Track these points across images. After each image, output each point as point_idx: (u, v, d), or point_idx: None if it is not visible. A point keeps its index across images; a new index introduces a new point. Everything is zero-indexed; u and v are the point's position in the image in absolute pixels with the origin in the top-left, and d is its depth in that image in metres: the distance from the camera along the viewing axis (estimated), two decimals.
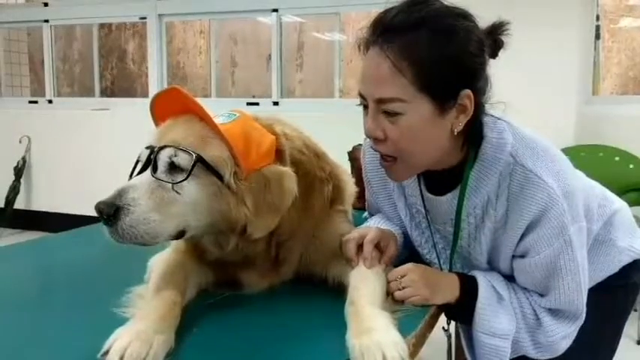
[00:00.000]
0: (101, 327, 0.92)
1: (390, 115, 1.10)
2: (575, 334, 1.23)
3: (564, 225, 1.13)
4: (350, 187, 1.47)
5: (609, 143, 3.64)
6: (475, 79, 1.11)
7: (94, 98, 5.71)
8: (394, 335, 0.93)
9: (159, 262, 1.19)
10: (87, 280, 1.36)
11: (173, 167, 1.07)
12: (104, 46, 6.80)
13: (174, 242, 1.27)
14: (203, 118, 1.12)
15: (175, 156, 1.07)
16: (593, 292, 1.34)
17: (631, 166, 3.50)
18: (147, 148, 1.11)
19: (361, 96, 1.15)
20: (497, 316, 1.18)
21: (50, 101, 5.73)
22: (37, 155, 5.53)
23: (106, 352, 0.86)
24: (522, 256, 1.19)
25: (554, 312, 1.21)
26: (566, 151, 3.42)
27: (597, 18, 4.06)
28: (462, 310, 1.20)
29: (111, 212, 1.02)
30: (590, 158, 3.58)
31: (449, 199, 1.23)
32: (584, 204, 1.22)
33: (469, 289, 1.19)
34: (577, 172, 1.33)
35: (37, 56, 6.08)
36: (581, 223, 1.17)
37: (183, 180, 1.06)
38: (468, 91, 1.09)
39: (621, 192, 3.28)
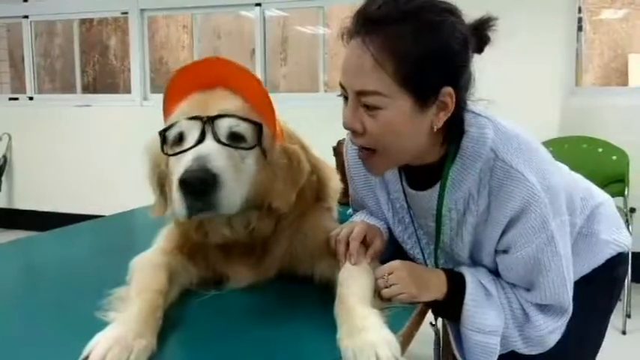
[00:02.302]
0: (81, 331, 0.90)
1: (370, 108, 1.08)
2: (563, 327, 1.23)
3: (546, 220, 1.12)
4: (335, 183, 1.46)
5: (593, 135, 3.66)
6: (457, 77, 1.10)
7: (76, 94, 5.63)
8: (386, 334, 0.92)
9: (141, 263, 1.17)
10: (67, 281, 1.33)
11: (234, 137, 1.08)
12: (86, 41, 6.71)
13: (156, 242, 1.25)
14: (249, 88, 1.15)
15: (237, 125, 1.09)
16: (577, 285, 1.34)
17: (614, 157, 3.53)
18: (190, 118, 1.10)
19: (342, 87, 1.13)
20: (485, 312, 1.17)
21: (31, 98, 5.65)
22: (19, 153, 5.46)
23: (85, 359, 0.84)
24: (505, 252, 1.19)
25: (541, 307, 1.20)
26: (550, 143, 3.45)
27: (579, 10, 4.08)
28: (450, 307, 1.19)
29: (210, 183, 0.99)
30: (573, 150, 3.60)
31: (430, 195, 1.22)
32: (566, 196, 1.21)
33: (456, 285, 1.18)
34: (559, 166, 1.33)
35: (17, 52, 5.98)
36: (562, 217, 1.16)
37: (252, 148, 1.09)
38: (449, 89, 1.08)
39: (605, 183, 3.33)
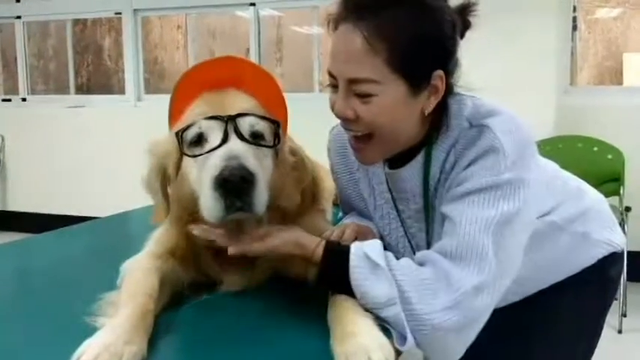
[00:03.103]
0: (70, 337, 0.88)
1: (362, 96, 1.07)
2: (496, 292, 1.02)
3: (501, 168, 1.05)
4: (328, 184, 1.45)
5: (588, 134, 3.66)
6: (447, 60, 1.10)
7: (69, 95, 5.60)
8: (379, 338, 0.91)
9: (131, 267, 1.16)
10: (60, 285, 1.31)
11: (254, 136, 1.08)
12: (79, 42, 6.68)
13: (147, 246, 1.24)
14: (263, 86, 1.15)
15: (257, 124, 1.09)
16: (571, 287, 1.34)
17: (609, 156, 3.53)
18: (209, 118, 1.08)
19: (331, 75, 1.11)
20: (374, 284, 1.02)
21: (24, 99, 5.61)
22: (12, 154, 5.42)
23: None
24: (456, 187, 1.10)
25: (455, 257, 1.02)
26: (545, 142, 3.45)
27: (574, 9, 4.08)
28: (335, 278, 1.06)
29: (249, 181, 0.98)
30: (569, 149, 3.60)
31: (411, 171, 1.19)
32: (553, 191, 1.20)
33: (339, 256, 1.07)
34: (548, 163, 1.31)
35: (9, 53, 5.94)
36: (523, 174, 1.07)
37: (273, 146, 1.10)
38: (440, 72, 1.08)
39: (600, 182, 3.33)
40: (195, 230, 1.09)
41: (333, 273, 1.06)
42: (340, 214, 1.51)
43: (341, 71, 1.08)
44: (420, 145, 1.17)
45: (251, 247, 1.08)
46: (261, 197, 1.02)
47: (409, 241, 1.30)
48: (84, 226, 2.00)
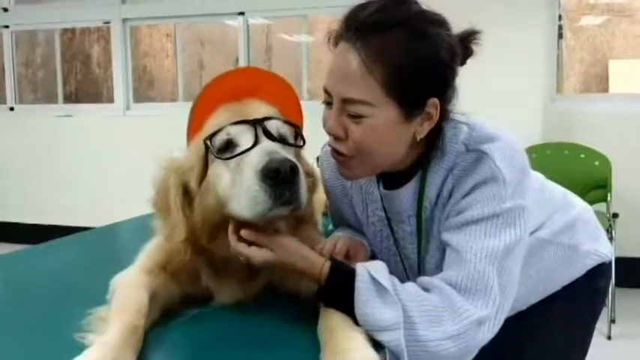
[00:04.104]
0: (58, 355, 0.88)
1: (354, 116, 1.08)
2: (497, 323, 1.05)
3: (502, 197, 1.07)
4: (320, 195, 1.44)
5: (575, 141, 3.69)
6: (444, 88, 1.10)
7: (57, 104, 5.56)
8: (370, 354, 0.91)
9: (121, 282, 1.15)
10: (45, 300, 1.29)
11: (281, 138, 1.11)
12: (68, 50, 6.64)
13: (138, 260, 1.23)
14: (280, 94, 1.19)
15: (282, 127, 1.12)
16: (559, 297, 1.35)
17: (596, 163, 3.56)
18: (235, 123, 1.09)
19: (326, 92, 1.12)
20: (380, 309, 1.01)
21: (12, 108, 5.57)
22: None
23: None
24: (456, 215, 1.11)
25: (461, 289, 1.04)
26: (533, 149, 3.47)
27: (559, 17, 4.12)
28: (337, 298, 1.07)
29: (296, 173, 1.00)
30: (556, 156, 3.63)
31: (406, 193, 1.19)
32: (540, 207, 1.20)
33: (344, 277, 1.07)
34: (534, 175, 1.31)
35: None
36: (522, 201, 1.09)
37: (300, 147, 1.15)
38: (435, 100, 1.08)
39: (587, 189, 3.36)
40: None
41: (337, 292, 1.05)
42: (330, 226, 1.51)
43: (336, 89, 1.09)
44: (415, 168, 1.18)
45: (262, 254, 1.07)
46: (304, 192, 1.03)
47: (401, 260, 1.30)
48: (72, 238, 1.98)
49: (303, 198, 1.03)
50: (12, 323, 1.17)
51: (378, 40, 1.04)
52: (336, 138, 1.12)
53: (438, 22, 1.08)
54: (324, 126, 1.14)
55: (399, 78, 1.04)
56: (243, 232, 1.07)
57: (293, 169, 1.00)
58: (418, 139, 1.11)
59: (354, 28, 1.06)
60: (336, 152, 1.15)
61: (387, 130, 1.08)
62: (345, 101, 1.07)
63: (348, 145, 1.11)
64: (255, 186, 1.00)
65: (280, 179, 0.98)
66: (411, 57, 1.04)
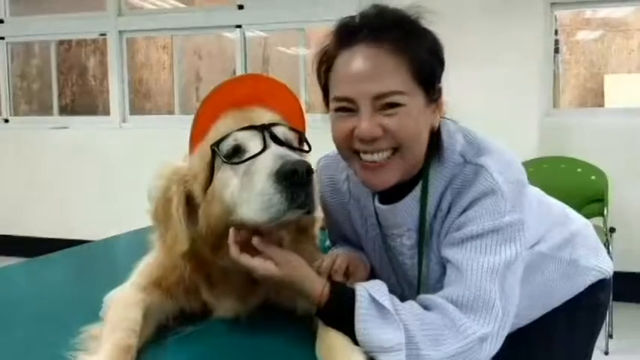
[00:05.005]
0: None
1: (391, 107, 1.08)
2: (499, 339, 1.05)
3: (501, 211, 1.08)
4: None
5: (571, 155, 3.70)
6: (441, 75, 1.15)
7: (53, 117, 5.54)
8: None
9: (114, 300, 1.12)
10: (37, 318, 1.27)
11: (287, 144, 1.10)
12: (64, 62, 6.65)
13: (132, 277, 1.21)
14: (283, 102, 1.18)
15: (288, 133, 1.12)
16: (560, 312, 1.34)
17: (593, 177, 3.56)
18: (243, 129, 1.08)
19: (345, 99, 1.11)
20: (382, 331, 1.00)
21: (6, 120, 5.55)
22: None
23: None
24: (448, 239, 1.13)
25: (463, 306, 1.04)
26: (529, 163, 3.47)
27: (556, 32, 4.15)
28: (337, 318, 1.05)
29: (311, 173, 0.99)
30: (552, 170, 3.63)
31: (403, 207, 1.18)
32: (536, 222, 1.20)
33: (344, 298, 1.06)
34: (532, 189, 1.30)
35: None
36: (521, 215, 1.10)
37: (307, 152, 1.14)
38: (440, 86, 1.14)
39: (584, 203, 3.35)
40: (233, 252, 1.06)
41: (338, 315, 1.04)
42: (327, 242, 1.49)
43: (365, 90, 1.08)
44: (414, 180, 1.17)
45: (266, 267, 1.05)
46: (317, 195, 1.03)
47: (397, 277, 1.29)
48: (66, 252, 1.95)
49: (316, 201, 1.03)
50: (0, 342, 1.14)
51: (394, 36, 1.09)
52: (373, 139, 1.10)
53: (418, 19, 1.15)
54: (336, 137, 1.15)
55: (420, 65, 1.09)
56: (255, 240, 1.05)
57: (309, 171, 0.99)
58: (435, 129, 1.15)
59: (368, 32, 1.09)
60: (369, 162, 1.13)
61: (419, 117, 1.11)
62: (378, 97, 1.08)
63: (388, 139, 1.10)
64: (270, 188, 0.98)
65: (296, 181, 0.97)
66: (422, 45, 1.11)
